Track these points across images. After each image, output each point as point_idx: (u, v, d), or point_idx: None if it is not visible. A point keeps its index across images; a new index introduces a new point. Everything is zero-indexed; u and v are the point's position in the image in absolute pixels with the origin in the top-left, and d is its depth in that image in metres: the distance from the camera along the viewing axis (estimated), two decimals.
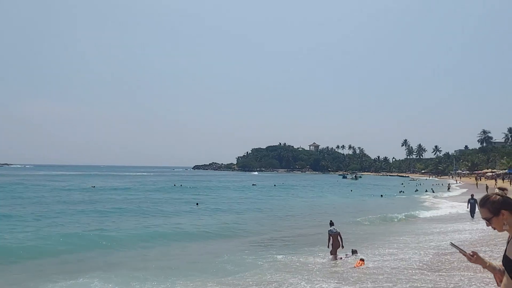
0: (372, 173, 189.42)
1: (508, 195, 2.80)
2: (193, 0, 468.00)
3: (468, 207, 24.01)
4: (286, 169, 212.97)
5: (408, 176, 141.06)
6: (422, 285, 8.89)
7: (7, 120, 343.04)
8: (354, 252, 13.17)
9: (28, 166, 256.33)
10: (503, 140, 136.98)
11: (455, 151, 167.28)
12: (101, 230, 19.85)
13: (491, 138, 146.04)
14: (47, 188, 52.51)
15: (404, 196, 49.79)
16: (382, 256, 12.77)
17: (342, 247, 13.42)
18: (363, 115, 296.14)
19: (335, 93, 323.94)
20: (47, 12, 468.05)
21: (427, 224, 22.62)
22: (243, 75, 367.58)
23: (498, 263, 2.91)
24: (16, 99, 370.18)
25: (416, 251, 13.32)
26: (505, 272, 2.71)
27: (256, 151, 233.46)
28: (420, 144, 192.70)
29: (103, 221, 23.57)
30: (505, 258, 2.71)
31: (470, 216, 23.60)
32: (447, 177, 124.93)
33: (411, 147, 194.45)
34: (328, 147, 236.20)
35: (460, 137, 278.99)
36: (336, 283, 9.66)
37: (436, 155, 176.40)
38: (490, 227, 2.82)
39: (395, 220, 25.03)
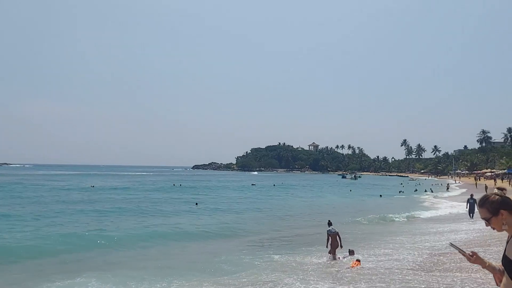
0: (371, 173, 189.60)
1: (507, 195, 2.80)
2: (193, 0, 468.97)
3: (467, 207, 24.02)
4: (285, 169, 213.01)
5: (407, 176, 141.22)
6: (415, 285, 8.96)
7: (7, 120, 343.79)
8: (351, 252, 13.19)
9: (27, 165, 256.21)
10: (502, 140, 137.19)
11: (454, 151, 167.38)
12: (100, 230, 19.83)
13: (490, 138, 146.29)
14: (46, 188, 52.44)
15: (403, 196, 49.81)
16: (377, 257, 12.85)
17: (341, 247, 13.44)
18: (363, 115, 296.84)
19: (335, 93, 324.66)
20: (47, 12, 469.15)
21: (425, 224, 22.68)
22: (243, 75, 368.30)
23: (497, 263, 2.90)
24: (16, 99, 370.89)
25: (410, 252, 13.43)
26: (505, 272, 2.70)
27: (255, 151, 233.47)
28: (419, 144, 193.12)
29: (102, 221, 23.56)
30: (505, 258, 2.70)
31: (468, 216, 23.63)
32: (446, 177, 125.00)
33: (411, 147, 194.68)
34: (327, 147, 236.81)
35: (459, 137, 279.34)
36: (330, 283, 9.73)
37: (435, 155, 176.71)
38: (489, 227, 2.81)
39: (393, 220, 25.05)
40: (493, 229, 2.79)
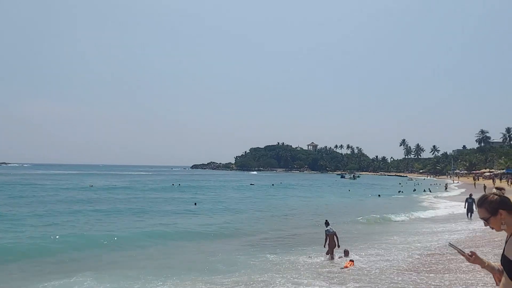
0: (370, 173, 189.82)
1: (506, 195, 2.80)
2: (193, 0, 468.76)
3: (465, 207, 24.05)
4: (284, 169, 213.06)
5: (406, 176, 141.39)
6: (403, 286, 9.09)
7: (7, 120, 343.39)
8: (346, 252, 13.25)
9: (26, 165, 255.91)
10: (501, 140, 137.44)
11: (453, 151, 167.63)
12: (98, 230, 19.82)
13: (489, 138, 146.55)
14: (45, 187, 52.35)
15: (402, 196, 49.86)
16: (368, 257, 12.96)
17: (338, 246, 13.48)
18: (363, 115, 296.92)
19: (335, 93, 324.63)
20: (47, 12, 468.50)
21: (421, 224, 22.75)
22: (243, 75, 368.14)
23: (497, 263, 2.90)
24: (16, 99, 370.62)
25: (402, 252, 13.57)
26: (504, 271, 2.70)
27: (254, 150, 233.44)
28: (418, 144, 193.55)
29: (100, 220, 23.53)
30: (504, 258, 2.70)
31: (466, 216, 23.67)
32: (445, 177, 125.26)
33: (409, 147, 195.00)
34: (326, 146, 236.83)
35: (458, 137, 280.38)
36: (321, 283, 9.85)
37: (434, 155, 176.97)
38: (488, 226, 2.81)
39: (391, 220, 25.03)
40: (492, 228, 2.79)
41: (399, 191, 57.37)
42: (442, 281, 9.14)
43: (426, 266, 11.10)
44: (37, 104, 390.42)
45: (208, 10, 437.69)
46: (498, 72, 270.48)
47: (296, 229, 21.78)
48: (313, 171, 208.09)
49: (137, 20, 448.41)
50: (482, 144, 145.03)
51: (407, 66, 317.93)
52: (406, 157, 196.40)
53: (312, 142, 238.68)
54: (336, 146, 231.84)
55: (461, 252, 2.92)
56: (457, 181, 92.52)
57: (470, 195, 24.91)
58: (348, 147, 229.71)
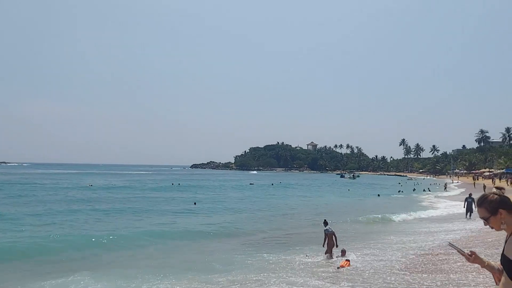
0: (370, 173, 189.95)
1: (505, 195, 2.79)
2: (193, 0, 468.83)
3: (464, 206, 24.07)
4: (284, 168, 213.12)
5: (406, 176, 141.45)
6: (395, 286, 9.21)
7: (7, 120, 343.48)
8: (343, 252, 13.30)
9: (25, 164, 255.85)
10: (500, 140, 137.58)
11: (452, 150, 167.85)
12: (97, 229, 19.78)
13: (488, 137, 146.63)
14: (44, 187, 52.34)
15: (401, 196, 49.88)
16: (363, 257, 13.03)
17: (336, 246, 13.53)
18: (363, 115, 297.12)
19: (335, 93, 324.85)
20: (47, 12, 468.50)
21: (419, 224, 22.78)
22: (243, 75, 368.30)
23: (497, 262, 2.90)
24: (16, 99, 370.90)
25: (396, 252, 13.66)
26: (503, 271, 2.70)
27: (254, 150, 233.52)
28: (418, 144, 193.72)
29: (99, 220, 23.52)
30: (503, 257, 2.70)
31: (464, 215, 23.71)
32: (444, 176, 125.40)
33: (409, 147, 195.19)
34: (326, 146, 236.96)
35: (458, 136, 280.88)
36: (316, 282, 9.96)
37: (433, 154, 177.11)
38: (487, 226, 2.81)
39: (390, 219, 25.01)
40: (492, 228, 2.79)
41: (399, 191, 57.37)
42: (434, 281, 9.22)
43: (419, 266, 11.21)
44: (37, 104, 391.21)
45: (208, 10, 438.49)
46: (498, 72, 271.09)
47: (295, 229, 21.78)
48: (312, 171, 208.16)
49: (137, 20, 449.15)
50: (482, 144, 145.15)
51: (407, 66, 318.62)
52: (406, 156, 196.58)
53: (312, 142, 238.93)
54: (335, 146, 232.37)
55: (461, 252, 2.92)
56: (456, 181, 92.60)
57: (470, 194, 24.93)
58: (347, 146, 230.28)
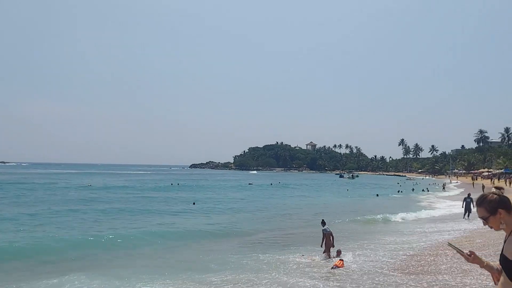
0: (369, 173, 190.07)
1: (504, 194, 2.79)
2: (193, 0, 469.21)
3: (463, 206, 24.09)
4: (283, 168, 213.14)
5: (404, 176, 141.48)
6: (384, 287, 9.32)
7: (7, 120, 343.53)
8: (338, 252, 13.35)
9: (24, 164, 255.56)
10: (499, 140, 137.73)
11: (451, 150, 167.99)
12: (96, 229, 19.79)
13: (487, 138, 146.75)
14: (43, 186, 52.26)
15: (400, 196, 49.92)
16: (355, 257, 13.10)
17: (333, 246, 13.58)
18: (363, 115, 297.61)
19: (335, 93, 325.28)
20: (47, 12, 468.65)
21: (416, 224, 22.77)
22: (243, 75, 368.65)
23: (495, 262, 2.89)
24: (16, 99, 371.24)
25: (388, 253, 13.73)
26: (502, 271, 2.69)
27: (253, 150, 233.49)
28: (417, 144, 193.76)
29: (98, 220, 23.48)
30: (502, 257, 2.70)
31: (462, 216, 23.72)
32: (443, 176, 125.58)
33: (408, 147, 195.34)
34: (325, 146, 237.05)
35: (457, 137, 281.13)
36: (308, 282, 10.05)
37: (432, 154, 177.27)
38: (486, 226, 2.81)
39: (388, 219, 24.97)
40: (491, 228, 2.79)
41: (398, 191, 57.40)
42: (420, 283, 9.30)
43: (408, 267, 11.29)
44: (37, 104, 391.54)
45: (208, 10, 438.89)
46: (498, 72, 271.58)
47: (293, 229, 21.77)
48: (311, 171, 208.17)
49: (137, 20, 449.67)
50: (481, 144, 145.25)
51: (407, 66, 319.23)
52: (405, 156, 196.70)
53: (311, 142, 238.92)
54: (335, 146, 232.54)
55: (460, 252, 2.91)
56: (455, 181, 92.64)
57: (469, 194, 24.94)
58: (347, 146, 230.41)
